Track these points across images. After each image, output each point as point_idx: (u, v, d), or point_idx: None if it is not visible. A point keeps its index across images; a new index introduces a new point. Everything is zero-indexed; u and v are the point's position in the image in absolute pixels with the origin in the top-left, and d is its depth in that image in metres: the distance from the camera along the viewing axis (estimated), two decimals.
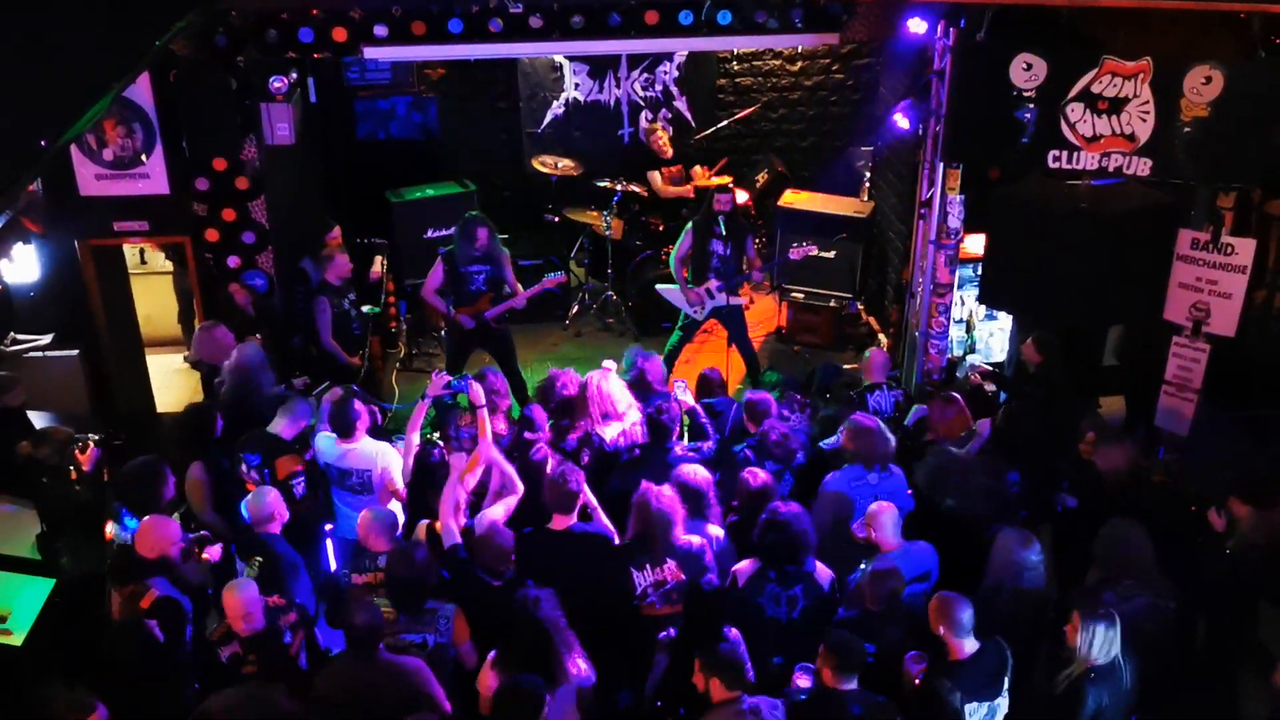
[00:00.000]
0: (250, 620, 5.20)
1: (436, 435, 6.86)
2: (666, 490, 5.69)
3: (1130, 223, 7.49)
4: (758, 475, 6.10)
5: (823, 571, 5.55)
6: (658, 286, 9.49)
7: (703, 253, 8.84)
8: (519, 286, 8.57)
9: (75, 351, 8.59)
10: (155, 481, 6.14)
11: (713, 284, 8.82)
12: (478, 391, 6.46)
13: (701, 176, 10.74)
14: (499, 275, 8.50)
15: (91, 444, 6.73)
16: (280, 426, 6.60)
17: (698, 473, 6.06)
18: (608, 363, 7.24)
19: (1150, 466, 6.76)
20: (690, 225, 9.00)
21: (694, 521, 5.89)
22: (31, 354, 8.52)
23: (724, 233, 8.73)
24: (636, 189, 10.66)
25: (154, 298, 10.12)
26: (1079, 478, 6.50)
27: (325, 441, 6.59)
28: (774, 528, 5.44)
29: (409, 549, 5.56)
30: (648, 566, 5.54)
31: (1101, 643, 4.85)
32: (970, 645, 4.96)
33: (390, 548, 5.72)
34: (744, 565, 5.58)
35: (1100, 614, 4.89)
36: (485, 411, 6.37)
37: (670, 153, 10.77)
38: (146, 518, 5.63)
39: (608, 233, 10.49)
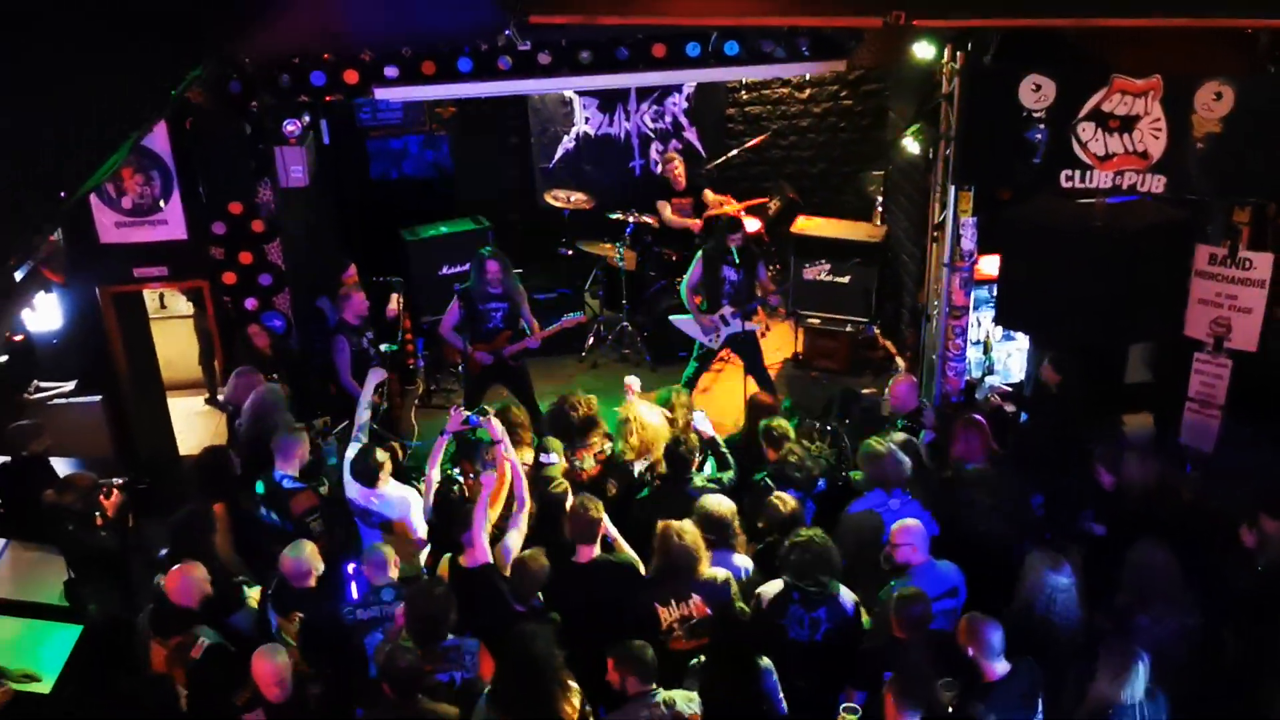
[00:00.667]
0: (283, 689, 5.14)
1: (456, 470, 6.87)
2: (688, 525, 5.67)
3: (1145, 240, 7.48)
4: (786, 501, 6.08)
5: (847, 595, 5.53)
6: (671, 318, 9.49)
7: (715, 280, 8.83)
8: (536, 324, 8.58)
9: (98, 397, 8.67)
10: (205, 532, 6.16)
11: (726, 310, 8.81)
12: (496, 426, 6.48)
13: (713, 202, 10.76)
14: (516, 312, 8.52)
15: (115, 489, 6.77)
16: (281, 466, 6.61)
17: (721, 503, 6.04)
18: (630, 380, 7.27)
19: (1179, 483, 6.70)
20: (701, 253, 9.02)
21: (719, 552, 5.87)
22: (55, 401, 8.59)
23: (736, 259, 8.73)
24: (649, 220, 10.70)
25: (174, 341, 10.19)
26: (1102, 500, 6.46)
27: (350, 483, 6.61)
28: (799, 549, 5.45)
29: (430, 585, 5.57)
30: (673, 602, 5.53)
31: (1135, 686, 4.80)
32: (1002, 667, 4.93)
33: (390, 581, 5.76)
34: (769, 587, 5.57)
35: (1132, 655, 4.84)
36: (506, 445, 6.40)
37: (684, 183, 10.81)
38: (174, 568, 5.62)
39: (621, 264, 10.52)
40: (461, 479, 6.73)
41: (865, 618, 5.69)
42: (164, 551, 6.21)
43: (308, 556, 5.82)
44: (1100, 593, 5.84)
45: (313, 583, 5.85)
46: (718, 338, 8.90)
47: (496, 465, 6.40)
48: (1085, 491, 6.56)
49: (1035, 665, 5.00)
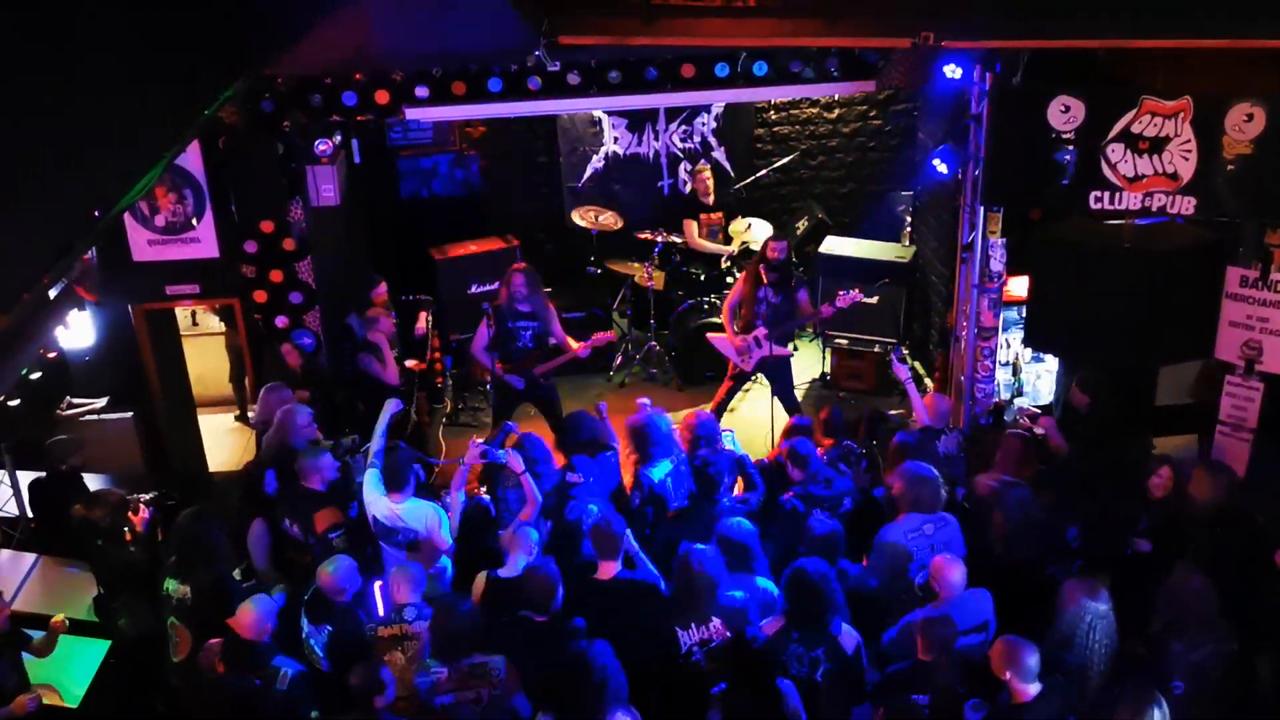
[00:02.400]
0: (260, 635, 5.43)
1: (484, 489, 6.90)
2: (710, 550, 5.65)
3: (1176, 261, 7.43)
4: (824, 523, 6.04)
5: (849, 635, 5.42)
6: (709, 335, 9.54)
7: (753, 300, 8.83)
8: (569, 340, 8.53)
9: (130, 414, 8.75)
10: (208, 532, 6.21)
11: (760, 332, 8.78)
12: (517, 459, 6.54)
13: (740, 233, 10.77)
14: (545, 331, 8.51)
15: (143, 505, 6.84)
16: (306, 480, 6.66)
17: (741, 525, 6.02)
18: (642, 400, 7.28)
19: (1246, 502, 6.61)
20: (742, 273, 9.01)
21: (739, 575, 5.85)
22: (87, 417, 8.69)
23: (775, 281, 8.72)
24: (677, 240, 10.72)
25: (205, 358, 10.28)
26: (1152, 520, 6.40)
27: (373, 496, 6.63)
28: (799, 586, 5.38)
29: (453, 601, 5.59)
30: (693, 625, 5.50)
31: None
32: (1034, 688, 4.88)
33: (415, 600, 5.79)
34: (770, 622, 5.52)
35: (1150, 699, 4.78)
36: (529, 477, 6.46)
37: (713, 198, 10.83)
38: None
39: (649, 283, 10.54)
40: (489, 497, 6.76)
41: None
42: (173, 558, 6.26)
43: (344, 574, 5.86)
44: (1135, 616, 5.80)
45: (347, 598, 5.89)
46: (750, 360, 8.88)
47: (526, 495, 6.46)
48: (1137, 514, 6.50)
49: (1066, 685, 4.95)
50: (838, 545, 5.95)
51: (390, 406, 6.96)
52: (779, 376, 9.06)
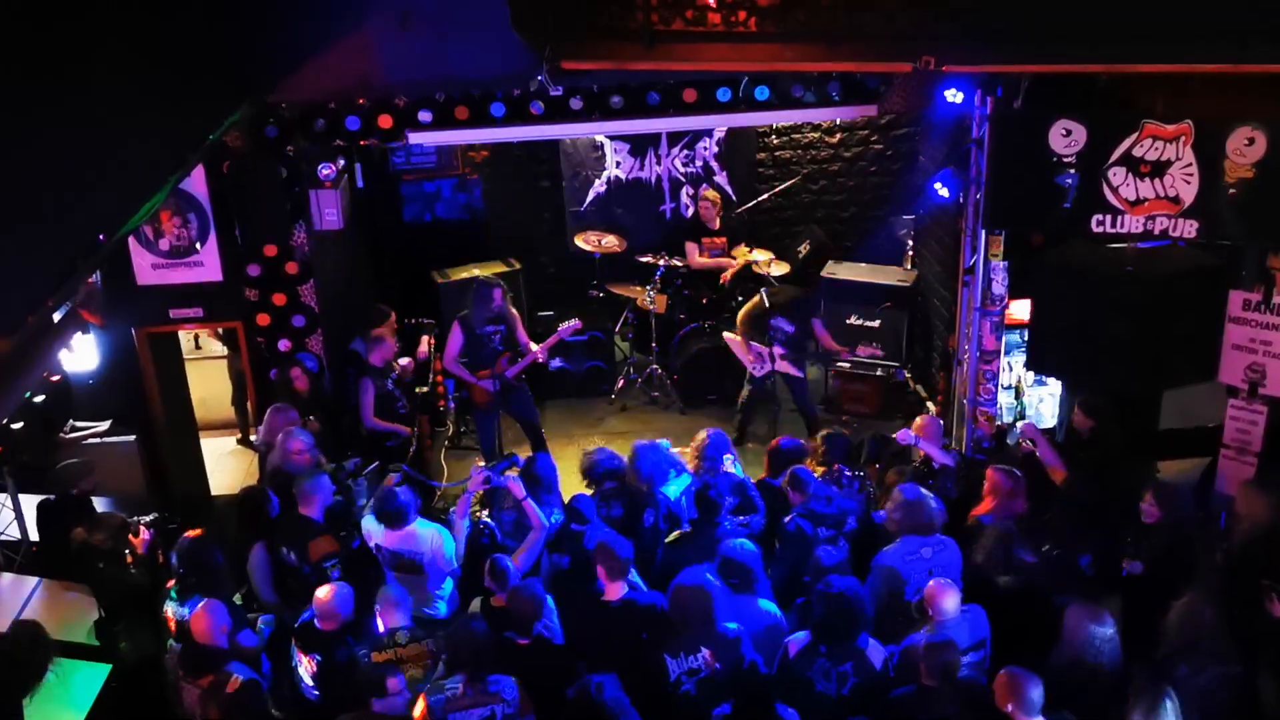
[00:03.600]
0: (214, 640, 5.56)
1: (486, 513, 6.89)
2: (704, 575, 5.63)
3: (1178, 284, 7.43)
4: (833, 554, 6.00)
5: (875, 649, 5.45)
6: (724, 334, 9.68)
7: (767, 327, 8.96)
8: (532, 345, 8.79)
9: (132, 437, 8.75)
10: (210, 556, 6.20)
11: (778, 350, 8.87)
12: (518, 485, 6.56)
13: (742, 254, 10.81)
14: (513, 334, 8.77)
15: (144, 528, 6.83)
16: (304, 507, 6.65)
17: (743, 546, 6.00)
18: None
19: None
20: (762, 293, 9.09)
21: (743, 596, 5.83)
22: (90, 440, 8.69)
23: (787, 312, 8.84)
24: (679, 263, 10.74)
25: (207, 382, 10.29)
26: (1144, 543, 6.38)
27: (375, 527, 6.62)
28: (826, 601, 5.38)
29: (469, 621, 5.60)
30: (682, 654, 5.47)
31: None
32: None
33: (405, 623, 5.81)
34: (797, 637, 5.51)
35: (1161, 692, 4.77)
36: (531, 502, 6.47)
37: (717, 223, 10.87)
38: (197, 608, 5.66)
39: (651, 307, 10.56)
40: (494, 524, 6.75)
41: None
42: (174, 581, 6.26)
43: (340, 600, 5.84)
44: (1138, 639, 5.78)
45: (336, 626, 5.87)
46: (759, 368, 8.94)
47: (530, 520, 6.48)
48: (1130, 536, 6.49)
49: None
50: (848, 571, 5.93)
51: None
52: (796, 391, 9.28)
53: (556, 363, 9.65)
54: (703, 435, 7.32)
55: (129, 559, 6.68)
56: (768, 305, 9.08)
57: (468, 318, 8.67)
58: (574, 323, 9.02)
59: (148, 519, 6.98)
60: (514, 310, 8.88)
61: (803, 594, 5.98)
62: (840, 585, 5.41)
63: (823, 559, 5.96)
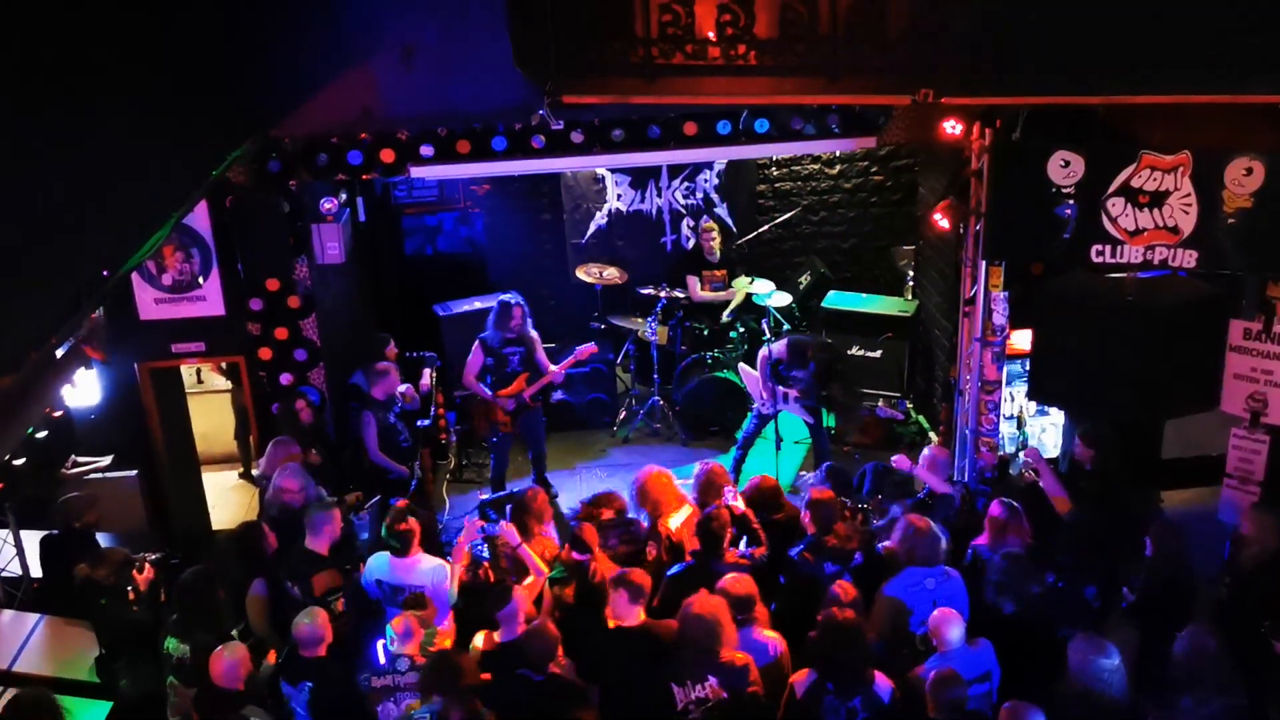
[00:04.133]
0: (232, 683, 5.50)
1: (484, 550, 6.88)
2: (710, 601, 5.62)
3: (1179, 314, 7.44)
4: (849, 591, 5.94)
5: (883, 682, 5.41)
6: (740, 365, 9.77)
7: (781, 377, 9.09)
8: (550, 365, 9.06)
9: (134, 472, 8.73)
10: (212, 591, 6.20)
11: (791, 392, 8.92)
12: (511, 532, 6.59)
13: (742, 286, 10.85)
14: (531, 355, 9.01)
15: (148, 564, 6.81)
16: (309, 541, 6.64)
17: (741, 581, 5.96)
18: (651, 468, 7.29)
19: None
20: (767, 350, 9.17)
21: (741, 630, 5.79)
22: (92, 475, 8.67)
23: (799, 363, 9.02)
24: (680, 295, 10.77)
25: (209, 416, 10.29)
26: (1142, 573, 6.38)
27: (378, 559, 6.61)
28: (832, 636, 5.35)
29: (450, 652, 5.58)
30: (689, 682, 5.44)
31: None
32: None
33: (412, 651, 5.81)
34: (802, 676, 5.46)
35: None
36: (526, 549, 6.49)
37: (718, 256, 10.91)
38: (215, 652, 5.63)
39: (653, 339, 10.57)
40: (487, 561, 6.74)
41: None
42: (174, 616, 6.25)
43: (320, 624, 5.85)
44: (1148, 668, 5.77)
45: (323, 651, 5.86)
46: (769, 406, 8.97)
47: (529, 567, 6.49)
48: (1129, 567, 6.49)
49: None
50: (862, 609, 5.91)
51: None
52: (812, 432, 9.40)
53: (558, 395, 9.69)
54: (700, 467, 7.32)
55: (131, 595, 6.66)
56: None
57: (487, 338, 8.94)
58: (590, 345, 9.32)
59: (153, 556, 6.96)
60: (534, 333, 9.11)
61: (809, 627, 5.94)
62: (844, 619, 5.38)
63: (839, 597, 5.89)
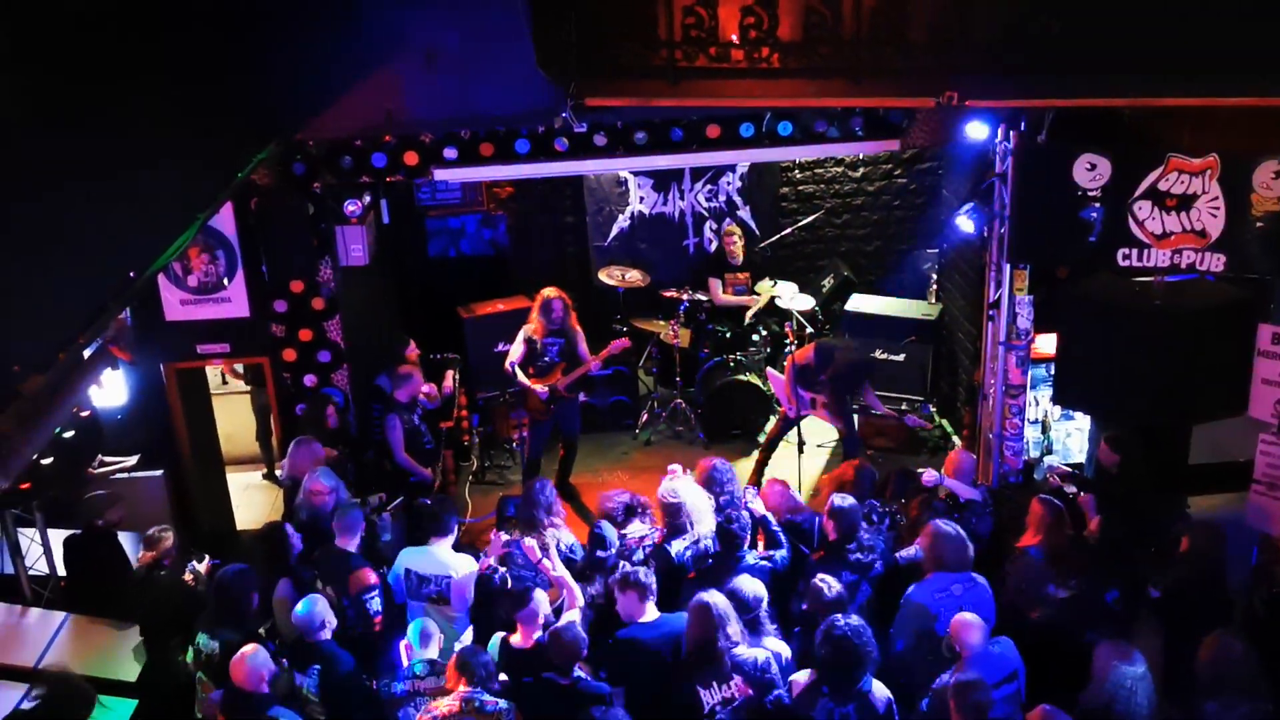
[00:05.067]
0: (257, 686, 5.48)
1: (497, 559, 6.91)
2: (720, 597, 5.64)
3: (1206, 319, 7.37)
4: (832, 586, 5.97)
5: (880, 691, 5.36)
6: (769, 370, 9.82)
7: (811, 379, 9.03)
8: (590, 359, 9.15)
9: (160, 472, 8.79)
10: (248, 592, 6.24)
11: (820, 399, 8.90)
12: (531, 548, 6.58)
13: (766, 290, 10.84)
14: (572, 348, 9.10)
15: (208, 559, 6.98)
16: (340, 541, 6.68)
17: (753, 587, 5.96)
18: (673, 467, 7.26)
19: None
20: (816, 346, 9.15)
21: (754, 637, 5.81)
22: (118, 475, 8.74)
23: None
24: (702, 297, 10.76)
25: (234, 417, 10.35)
26: (1168, 574, 6.34)
27: (410, 550, 6.66)
28: (831, 641, 5.32)
29: (472, 650, 5.61)
30: (714, 684, 5.44)
31: None
32: None
33: (434, 655, 5.85)
34: (801, 677, 5.46)
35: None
36: (546, 562, 6.50)
37: (741, 258, 10.89)
38: (239, 653, 5.66)
39: (675, 341, 10.57)
40: (504, 569, 6.76)
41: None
42: (206, 613, 6.32)
43: (320, 610, 5.90)
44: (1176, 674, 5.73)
45: (328, 634, 5.89)
46: (794, 409, 8.95)
47: (566, 591, 6.48)
48: (1153, 571, 6.44)
49: None
50: (845, 607, 5.88)
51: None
52: (843, 435, 9.35)
53: (580, 397, 9.69)
54: (706, 464, 7.35)
55: (190, 578, 6.90)
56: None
57: (528, 328, 9.14)
58: (623, 340, 9.43)
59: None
60: (577, 326, 9.21)
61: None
62: (846, 624, 5.34)
63: (823, 592, 5.91)
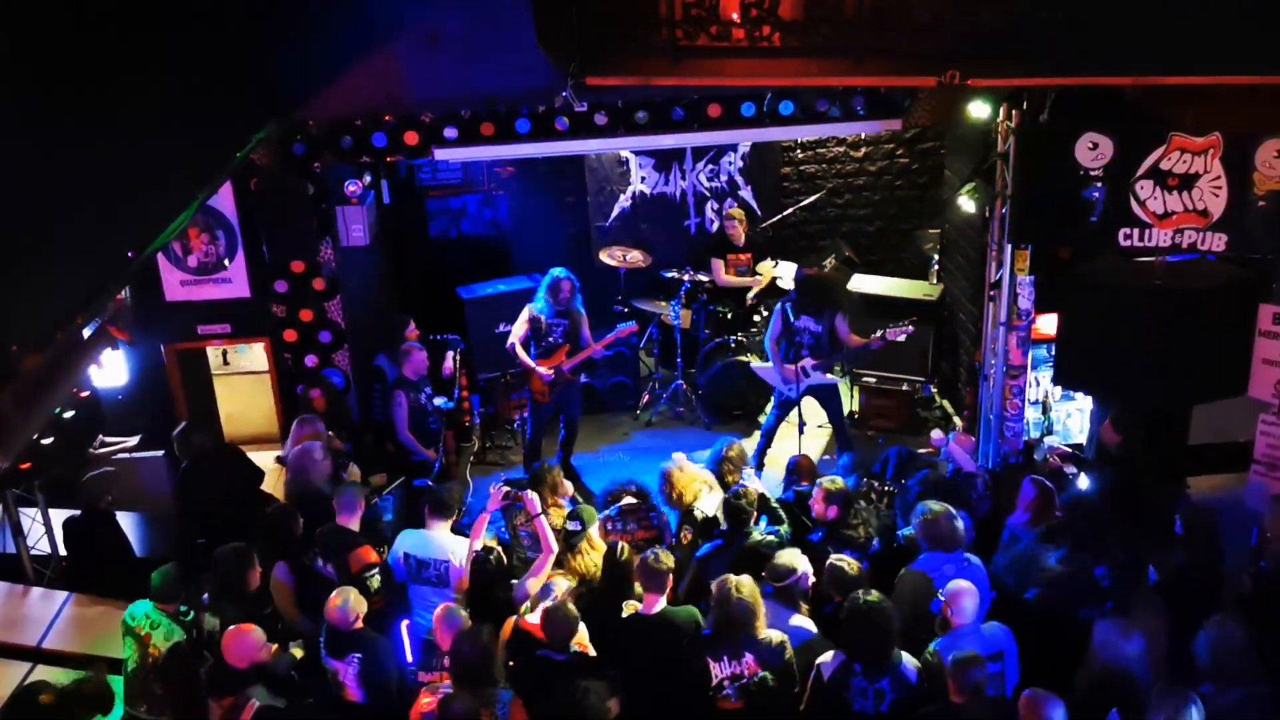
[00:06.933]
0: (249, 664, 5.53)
1: (494, 540, 6.92)
2: (746, 580, 5.63)
3: (1208, 299, 7.37)
4: (852, 565, 5.97)
5: (910, 662, 5.41)
6: (753, 364, 9.70)
7: (794, 331, 8.93)
8: (596, 344, 9.10)
9: (161, 452, 8.80)
10: (244, 569, 6.24)
11: (807, 362, 8.85)
12: (534, 501, 6.62)
13: (768, 271, 10.82)
14: (576, 330, 9.03)
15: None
16: (341, 519, 6.69)
17: (795, 558, 5.97)
18: (677, 455, 7.28)
19: None
20: (780, 305, 9.09)
21: (782, 611, 5.83)
22: (119, 455, 8.76)
23: (815, 311, 8.83)
24: (703, 278, 10.74)
25: (235, 397, 10.35)
26: (1166, 555, 6.35)
27: (408, 533, 6.67)
28: (858, 618, 5.35)
29: (476, 629, 5.62)
30: (725, 658, 5.47)
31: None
32: None
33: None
34: (828, 658, 5.46)
35: (1186, 698, 4.77)
36: (544, 520, 6.49)
37: (743, 240, 10.87)
38: (230, 629, 5.69)
39: (676, 322, 10.56)
40: (498, 548, 6.78)
41: None
42: (205, 595, 6.33)
43: (352, 604, 5.89)
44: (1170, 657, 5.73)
45: (360, 624, 5.91)
46: (796, 389, 8.92)
47: (542, 543, 6.49)
48: (1149, 554, 6.45)
49: None
50: (867, 583, 5.89)
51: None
52: (830, 402, 9.21)
53: (581, 379, 9.69)
54: (718, 447, 7.39)
55: None
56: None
57: (535, 307, 9.07)
58: (631, 325, 9.40)
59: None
60: (580, 309, 9.14)
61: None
62: (870, 600, 5.37)
63: (844, 570, 5.91)
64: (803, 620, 5.91)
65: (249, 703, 5.42)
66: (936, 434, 7.29)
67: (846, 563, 5.98)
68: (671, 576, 5.89)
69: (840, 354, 9.00)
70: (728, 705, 5.46)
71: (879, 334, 8.62)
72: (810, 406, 9.29)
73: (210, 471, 7.72)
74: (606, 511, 7.01)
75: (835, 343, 8.84)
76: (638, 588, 5.96)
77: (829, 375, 8.99)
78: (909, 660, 5.42)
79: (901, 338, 8.70)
